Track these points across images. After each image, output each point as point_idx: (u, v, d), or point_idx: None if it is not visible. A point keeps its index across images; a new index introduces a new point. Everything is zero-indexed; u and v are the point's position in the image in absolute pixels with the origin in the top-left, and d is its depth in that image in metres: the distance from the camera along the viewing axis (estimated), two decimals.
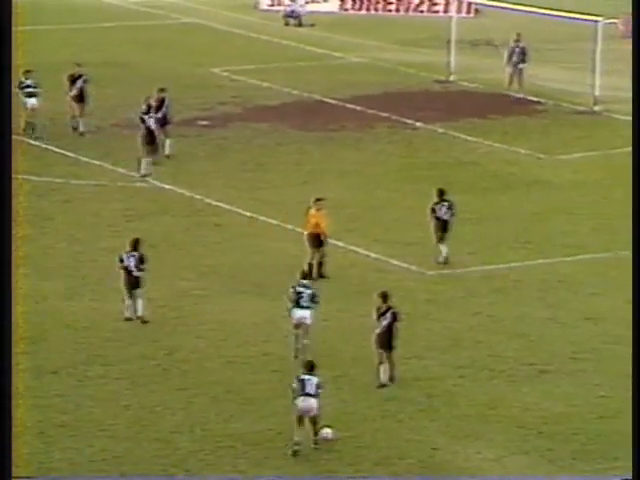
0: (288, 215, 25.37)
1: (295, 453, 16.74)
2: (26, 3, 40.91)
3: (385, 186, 27.67)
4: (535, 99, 34.40)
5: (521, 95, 34.43)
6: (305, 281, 20.12)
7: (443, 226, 23.16)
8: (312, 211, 22.34)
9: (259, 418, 17.70)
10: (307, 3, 44.44)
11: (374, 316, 18.94)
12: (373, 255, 23.57)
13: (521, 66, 34.33)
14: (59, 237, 24.17)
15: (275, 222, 25.17)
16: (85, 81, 30.04)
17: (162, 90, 29.11)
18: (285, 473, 16.41)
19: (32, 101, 29.59)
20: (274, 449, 16.90)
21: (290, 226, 24.85)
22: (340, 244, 23.78)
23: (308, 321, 19.74)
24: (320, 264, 22.20)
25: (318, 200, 22.39)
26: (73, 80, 30.16)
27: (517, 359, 19.68)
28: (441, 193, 23.36)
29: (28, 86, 29.62)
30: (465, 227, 25.37)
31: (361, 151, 30.05)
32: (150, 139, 27.58)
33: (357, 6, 45.34)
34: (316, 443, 17.02)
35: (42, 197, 26.27)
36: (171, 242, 24.01)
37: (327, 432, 17.17)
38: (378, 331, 18.73)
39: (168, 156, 28.54)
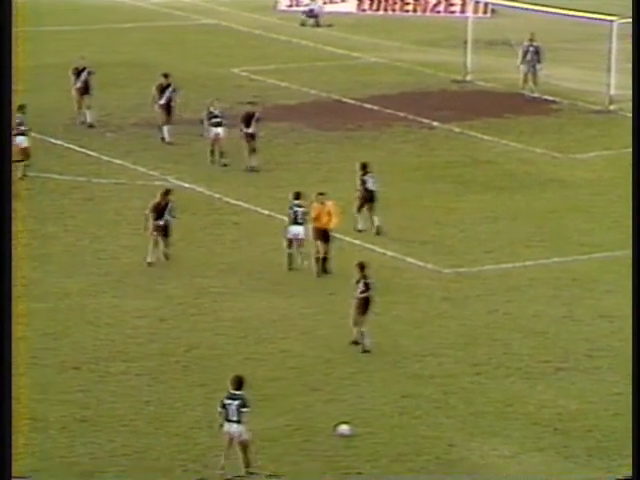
0: None
1: (221, 477, 16.13)
2: (48, 4, 41.31)
3: (401, 185, 27.83)
4: (551, 98, 34.50)
5: (536, 94, 34.55)
6: (298, 201, 22.70)
7: (371, 196, 24.29)
8: (315, 204, 22.63)
9: (277, 414, 17.88)
10: (325, 4, 44.64)
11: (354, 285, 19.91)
12: (389, 253, 23.75)
13: (538, 66, 34.43)
14: (81, 235, 24.42)
15: None
16: (89, 73, 30.35)
17: (166, 76, 29.45)
18: (302, 469, 16.57)
19: None
20: (292, 445, 17.09)
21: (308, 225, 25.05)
22: (356, 242, 23.99)
23: (301, 236, 22.58)
24: (324, 259, 22.47)
25: (320, 194, 22.75)
26: (78, 73, 30.49)
27: (533, 356, 19.83)
28: (364, 167, 24.64)
29: None
30: (481, 226, 25.55)
31: (378, 150, 30.22)
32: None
33: (375, 7, 45.52)
34: (250, 473, 16.15)
35: (64, 195, 26.54)
36: (190, 240, 24.24)
37: (344, 428, 17.34)
38: (355, 300, 19.73)
39: (170, 143, 29.00)
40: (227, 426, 16.24)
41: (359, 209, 24.52)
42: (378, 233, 24.16)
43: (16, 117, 27.20)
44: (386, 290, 21.32)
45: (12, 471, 13.77)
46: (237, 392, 16.31)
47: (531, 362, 19.65)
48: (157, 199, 22.91)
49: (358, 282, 19.90)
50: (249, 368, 19.18)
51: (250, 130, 27.86)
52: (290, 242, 22.61)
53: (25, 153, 27.18)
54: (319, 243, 22.42)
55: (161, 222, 22.64)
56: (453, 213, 26.27)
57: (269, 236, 24.61)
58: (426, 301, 21.71)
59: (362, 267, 19.96)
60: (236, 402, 16.18)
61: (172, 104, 29.31)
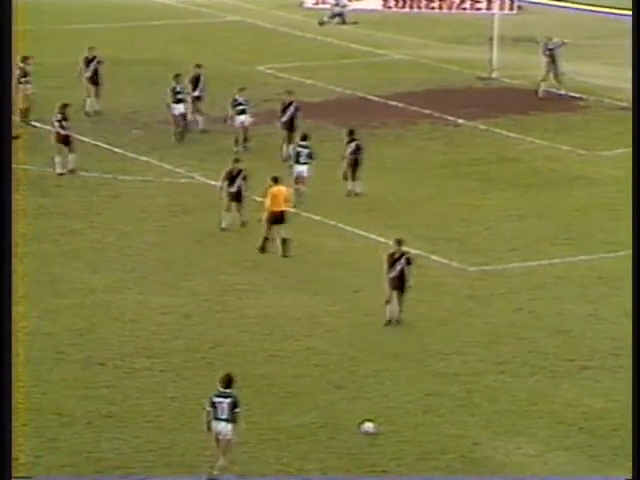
0: (330, 211, 25.66)
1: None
2: (76, 3, 41.50)
3: (426, 182, 27.84)
4: (577, 95, 34.38)
5: (563, 91, 34.40)
6: (303, 142, 25.53)
7: (355, 163, 26.04)
8: (274, 189, 23.45)
9: (302, 412, 17.92)
10: (350, 1, 44.64)
11: (385, 260, 20.42)
12: (414, 251, 23.55)
13: (560, 64, 34.23)
14: (107, 231, 24.53)
15: (317, 218, 25.43)
16: (99, 62, 31.02)
17: (198, 66, 30.14)
18: (327, 467, 16.60)
19: (28, 87, 30.25)
20: (317, 442, 17.12)
21: (332, 222, 25.12)
22: (381, 240, 23.98)
23: (305, 174, 25.44)
24: (284, 241, 23.16)
25: (274, 178, 23.75)
26: (87, 62, 31.12)
27: (558, 355, 19.79)
28: (351, 133, 26.56)
29: (26, 74, 30.41)
30: (506, 223, 25.51)
31: (403, 147, 30.23)
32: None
33: (400, 4, 45.50)
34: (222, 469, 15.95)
35: (91, 192, 26.67)
36: (215, 237, 24.32)
37: (369, 426, 17.37)
38: (392, 275, 20.14)
39: (205, 131, 29.57)
40: (215, 424, 16.07)
41: (345, 176, 26.05)
42: (357, 194, 26.03)
43: (172, 85, 29.20)
44: (410, 288, 21.32)
45: (12, 471, 13.85)
46: (227, 390, 16.19)
47: (556, 361, 19.60)
48: (229, 167, 24.26)
49: (398, 259, 20.21)
50: (274, 365, 19.26)
51: (284, 119, 28.38)
52: (297, 179, 25.20)
53: (184, 118, 29.21)
54: (274, 226, 23.18)
55: (233, 189, 23.93)
56: (478, 211, 26.24)
57: (294, 233, 24.64)
58: (451, 299, 21.68)
59: (399, 242, 20.48)
60: (227, 400, 16.02)
61: (203, 95, 29.83)
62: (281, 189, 23.35)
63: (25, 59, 30.66)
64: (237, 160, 24.54)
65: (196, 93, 29.67)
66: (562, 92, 34.43)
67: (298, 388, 18.63)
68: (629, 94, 33.90)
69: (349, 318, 20.96)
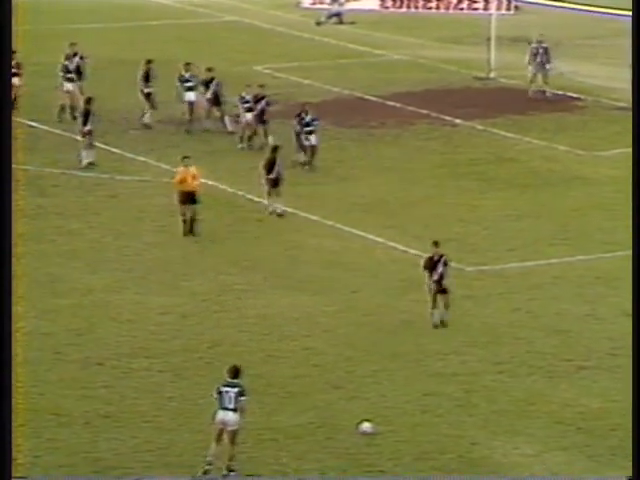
0: (328, 211, 25.68)
1: (206, 472, 15.93)
2: (74, 3, 41.47)
3: (424, 182, 27.86)
4: (574, 95, 34.42)
5: (548, 91, 34.25)
6: (308, 116, 27.17)
7: (310, 131, 27.70)
8: (181, 168, 24.31)
9: (300, 412, 17.94)
10: (347, 1, 44.68)
11: (424, 265, 20.63)
12: (412, 251, 23.75)
13: (548, 66, 34.19)
14: (105, 231, 24.56)
15: (315, 218, 25.46)
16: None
17: (210, 70, 30.51)
18: (326, 466, 16.62)
19: (69, 85, 30.50)
20: (315, 442, 17.13)
21: (330, 222, 25.14)
22: (379, 240, 24.03)
23: (314, 142, 27.57)
24: (192, 221, 23.90)
25: (185, 158, 24.47)
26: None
27: (556, 355, 19.81)
28: (303, 105, 28.41)
29: (69, 71, 30.59)
30: (504, 224, 25.54)
31: (400, 147, 30.26)
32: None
33: (397, 4, 45.54)
34: (230, 469, 15.91)
35: (89, 192, 26.71)
36: (214, 237, 24.34)
37: (366, 426, 17.38)
38: (435, 278, 20.44)
39: (232, 132, 29.83)
40: (222, 414, 16.09)
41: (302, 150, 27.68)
42: (304, 165, 27.58)
43: (181, 73, 30.13)
44: (408, 288, 21.36)
45: (12, 471, 13.85)
46: (234, 380, 16.29)
47: (554, 361, 19.62)
48: (267, 155, 25.34)
49: (438, 261, 20.41)
50: (272, 365, 19.28)
51: (255, 113, 29.11)
52: (304, 150, 27.53)
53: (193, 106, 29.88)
54: (185, 206, 23.89)
55: (272, 175, 24.91)
56: (476, 211, 26.27)
57: (292, 233, 24.67)
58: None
59: (437, 244, 20.76)
60: (235, 390, 16.06)
61: (220, 96, 30.05)
62: (190, 169, 24.06)
63: (67, 57, 30.77)
64: (275, 149, 25.25)
65: (208, 95, 29.86)
66: (549, 92, 34.25)
67: (296, 388, 18.64)
68: (626, 94, 33.93)
69: (347, 318, 20.97)
